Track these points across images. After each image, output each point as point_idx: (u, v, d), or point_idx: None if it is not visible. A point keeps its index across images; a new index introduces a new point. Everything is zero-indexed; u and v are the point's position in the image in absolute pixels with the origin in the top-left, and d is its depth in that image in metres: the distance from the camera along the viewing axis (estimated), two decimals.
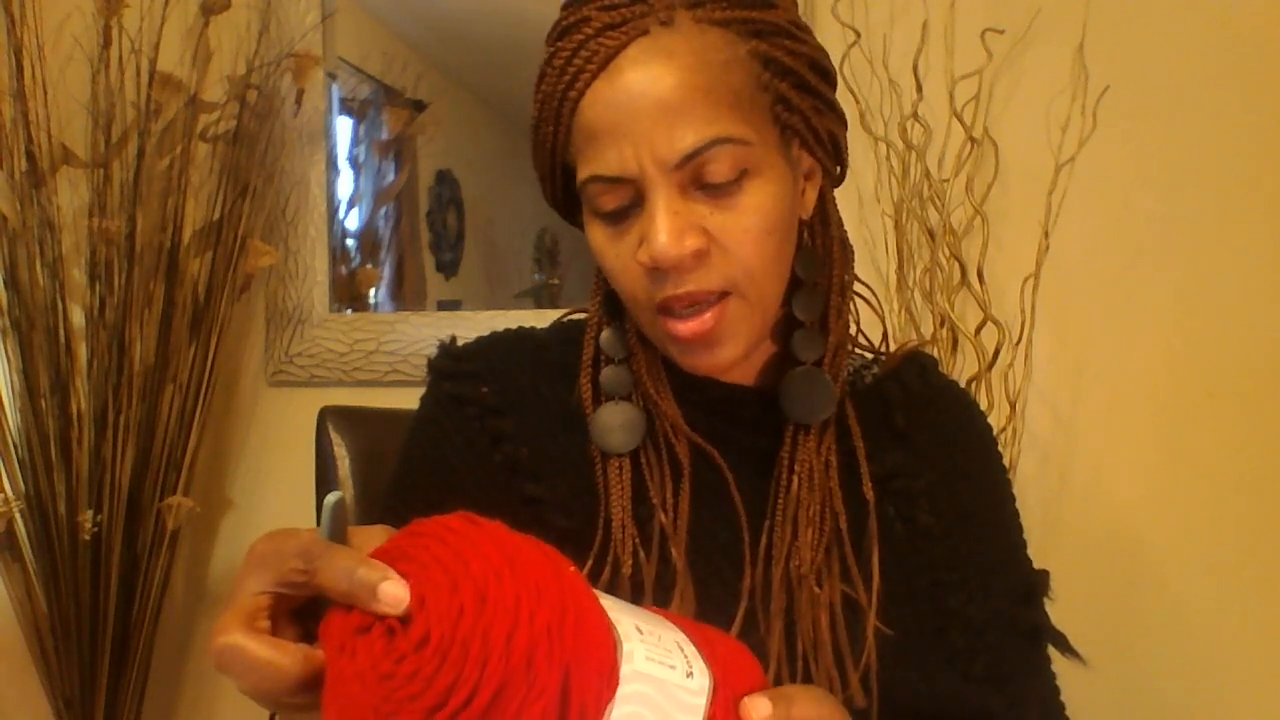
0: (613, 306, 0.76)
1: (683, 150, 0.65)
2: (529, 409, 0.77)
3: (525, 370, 0.79)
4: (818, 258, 0.75)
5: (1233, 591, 1.40)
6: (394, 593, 0.47)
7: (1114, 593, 1.43)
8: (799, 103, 0.70)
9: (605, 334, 0.76)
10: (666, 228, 0.66)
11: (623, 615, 0.51)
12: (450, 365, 0.80)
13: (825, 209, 0.76)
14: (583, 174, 0.69)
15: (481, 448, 0.76)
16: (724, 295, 0.68)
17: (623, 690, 0.47)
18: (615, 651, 0.48)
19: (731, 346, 0.70)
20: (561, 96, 0.68)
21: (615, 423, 0.74)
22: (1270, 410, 1.39)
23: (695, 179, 0.67)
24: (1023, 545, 0.84)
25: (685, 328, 0.68)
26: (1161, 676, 1.41)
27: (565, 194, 0.74)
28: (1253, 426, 1.39)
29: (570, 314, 0.83)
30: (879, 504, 0.74)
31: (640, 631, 0.50)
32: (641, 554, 0.71)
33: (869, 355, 0.83)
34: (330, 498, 0.52)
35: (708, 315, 0.68)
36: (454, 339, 0.83)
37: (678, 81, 0.65)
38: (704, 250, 0.67)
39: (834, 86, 0.73)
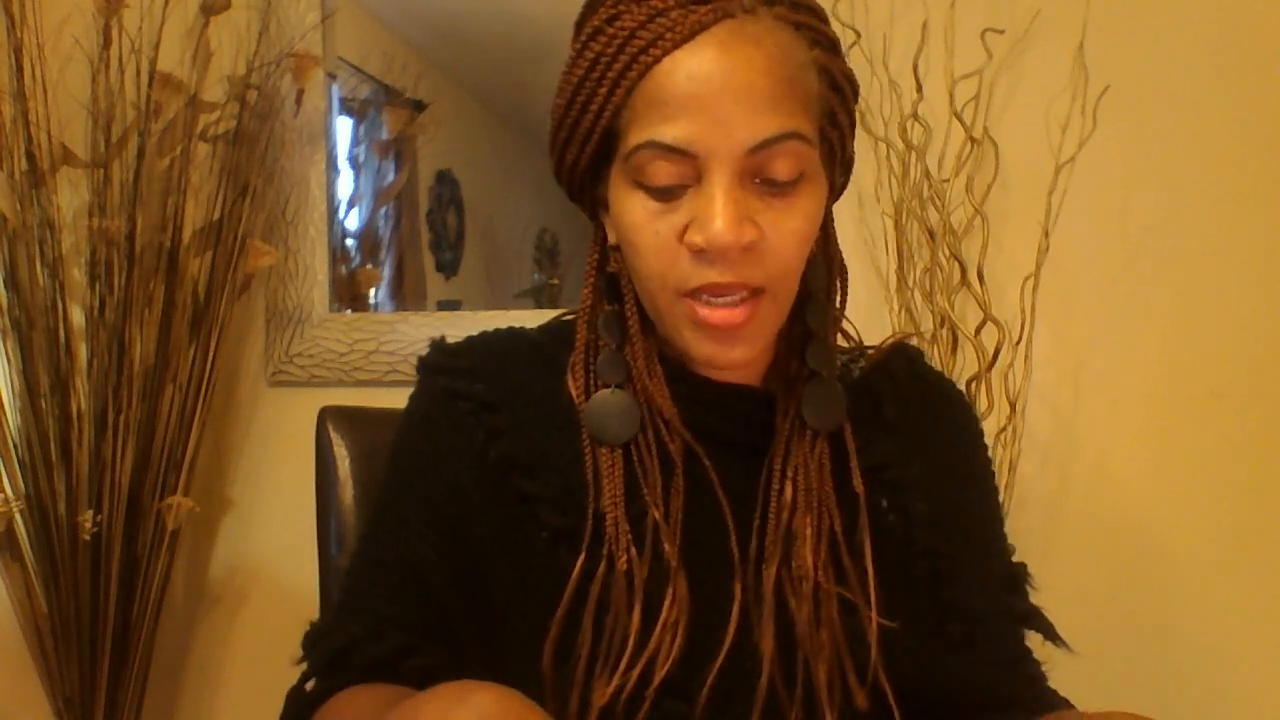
0: (610, 291, 0.76)
1: (762, 136, 0.65)
2: (522, 405, 0.77)
3: (519, 367, 0.79)
4: (822, 271, 0.76)
5: (1234, 590, 1.40)
6: None
7: (1114, 592, 1.43)
8: (842, 119, 0.72)
9: (600, 317, 0.76)
10: (728, 214, 0.65)
11: None
12: (444, 361, 0.80)
13: (828, 226, 0.77)
14: (638, 138, 0.67)
15: (477, 444, 0.76)
16: (759, 292, 0.68)
17: None
18: None
19: (751, 344, 0.71)
20: (632, 58, 0.66)
21: (610, 411, 0.73)
22: (1270, 410, 1.39)
23: (757, 171, 0.67)
24: (1005, 536, 0.85)
25: (717, 315, 0.68)
26: (1163, 675, 1.41)
27: (589, 165, 0.72)
28: (1253, 426, 1.39)
29: (563, 315, 0.83)
30: (872, 497, 0.74)
31: None
32: (634, 550, 0.70)
33: (847, 346, 0.83)
34: None
35: (740, 309, 0.68)
36: (444, 338, 0.82)
37: (767, 70, 0.66)
38: (757, 243, 0.67)
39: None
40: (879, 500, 0.75)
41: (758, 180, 0.67)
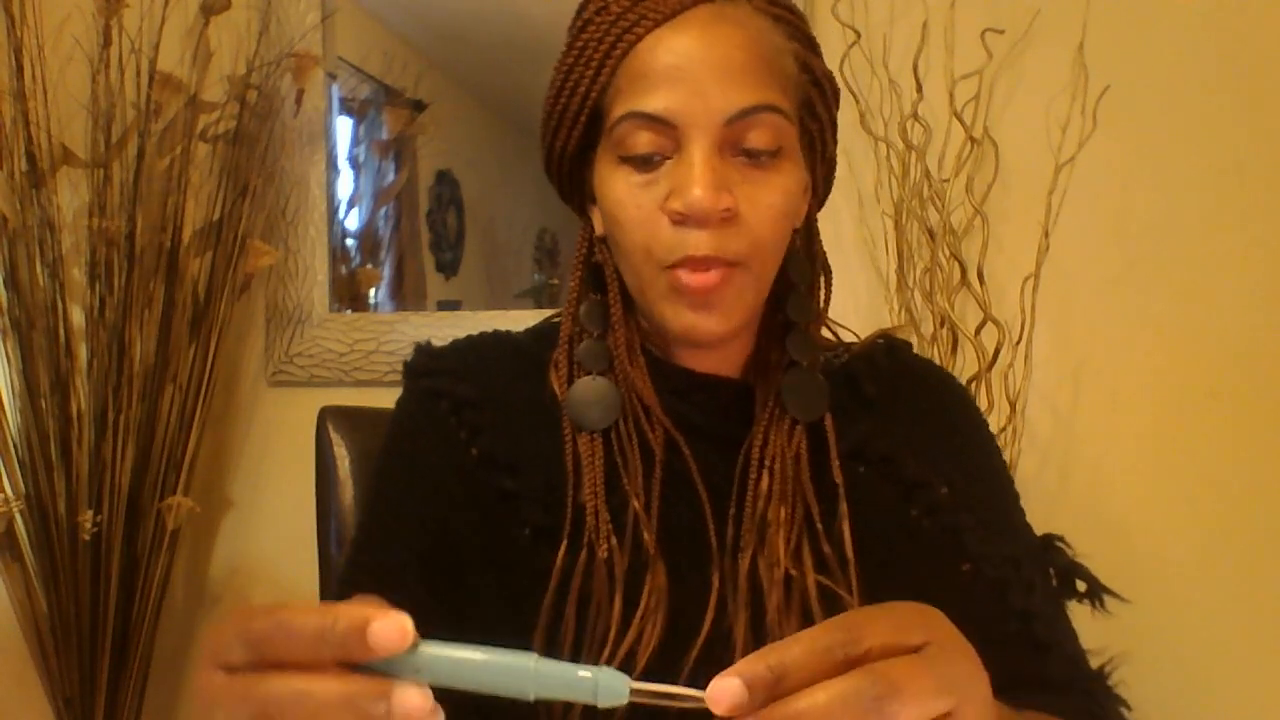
0: (595, 280, 0.78)
1: (740, 105, 0.68)
2: (505, 405, 0.78)
3: (502, 368, 0.80)
4: (804, 265, 0.77)
5: (1233, 591, 1.40)
6: (391, 627, 0.40)
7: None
8: (822, 114, 0.75)
9: (584, 307, 0.77)
10: (706, 180, 0.67)
11: None
12: (427, 363, 0.81)
13: (811, 226, 0.79)
14: (621, 110, 0.70)
15: (457, 443, 0.77)
16: (735, 265, 0.70)
17: None
18: None
19: (728, 315, 0.71)
20: (618, 38, 0.70)
21: (591, 398, 0.74)
22: (1270, 410, 1.39)
23: (736, 142, 0.69)
24: (1021, 509, 0.84)
25: (695, 279, 0.69)
26: (1161, 676, 1.41)
27: (577, 149, 0.75)
28: (1253, 426, 1.39)
29: (550, 318, 0.84)
30: (861, 475, 0.74)
31: None
32: (614, 540, 0.70)
33: (832, 342, 0.84)
34: None
35: (715, 273, 0.69)
36: (429, 341, 0.84)
37: (744, 46, 0.69)
38: (734, 212, 0.69)
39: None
40: (871, 476, 0.75)
41: (736, 153, 0.70)
